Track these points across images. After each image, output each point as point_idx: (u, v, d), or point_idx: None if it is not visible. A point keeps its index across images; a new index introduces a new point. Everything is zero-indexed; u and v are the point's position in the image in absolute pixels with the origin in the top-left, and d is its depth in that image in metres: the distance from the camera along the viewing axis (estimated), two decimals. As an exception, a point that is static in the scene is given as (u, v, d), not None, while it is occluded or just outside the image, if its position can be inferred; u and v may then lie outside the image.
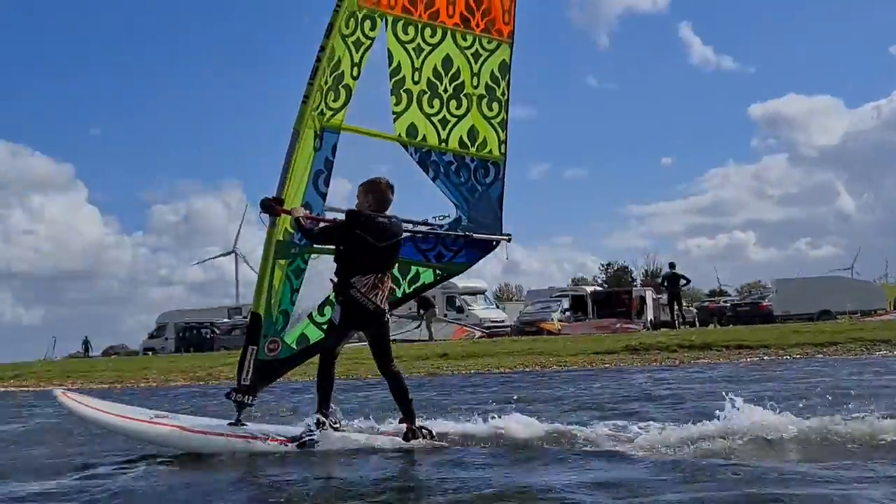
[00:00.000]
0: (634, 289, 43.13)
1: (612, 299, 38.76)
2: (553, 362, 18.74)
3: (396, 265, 7.44)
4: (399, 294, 7.82)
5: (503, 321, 38.08)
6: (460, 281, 34.45)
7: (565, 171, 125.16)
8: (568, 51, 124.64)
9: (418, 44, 7.72)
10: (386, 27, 7.60)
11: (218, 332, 43.15)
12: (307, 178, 7.48)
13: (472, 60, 7.95)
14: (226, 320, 46.53)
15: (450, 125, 7.92)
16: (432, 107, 7.83)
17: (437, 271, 8.01)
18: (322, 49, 7.27)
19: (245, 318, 44.22)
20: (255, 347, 7.36)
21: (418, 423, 7.12)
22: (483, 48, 7.99)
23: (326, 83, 7.36)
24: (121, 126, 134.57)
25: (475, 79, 7.97)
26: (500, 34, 8.03)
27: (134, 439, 7.27)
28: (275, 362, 7.49)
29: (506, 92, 8.10)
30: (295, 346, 7.57)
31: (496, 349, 22.10)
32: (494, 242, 8.14)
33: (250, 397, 7.30)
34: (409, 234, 7.69)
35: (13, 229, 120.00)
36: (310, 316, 7.70)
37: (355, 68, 7.51)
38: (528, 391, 12.17)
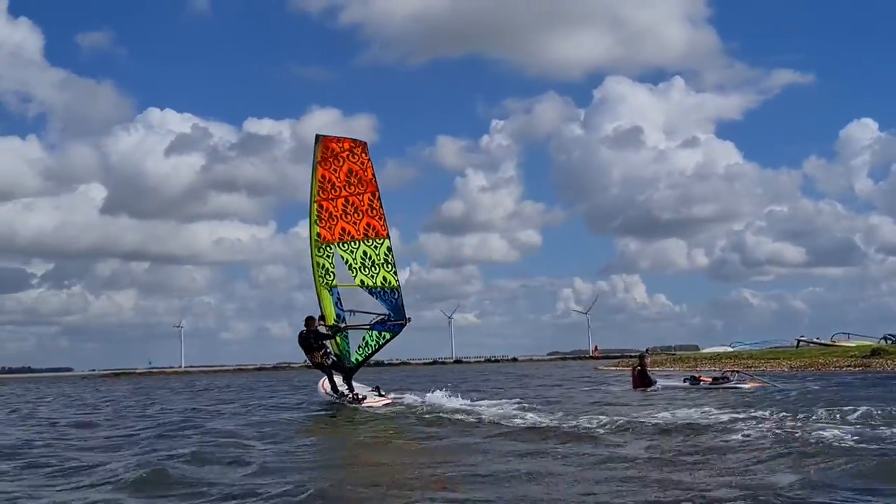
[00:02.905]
0: None
1: None
2: None
3: (369, 332, 18.96)
4: (373, 345, 19.13)
5: None
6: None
7: None
8: None
9: (351, 249, 18.79)
10: (336, 246, 18.93)
11: None
12: (332, 306, 19.35)
13: (374, 249, 18.61)
14: None
15: (375, 277, 18.73)
16: (365, 272, 18.79)
17: (387, 335, 19.01)
18: (312, 265, 19.09)
19: None
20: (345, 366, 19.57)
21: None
22: (377, 242, 18.57)
23: (322, 277, 19.09)
24: None
25: (378, 256, 18.60)
26: (381, 235, 18.50)
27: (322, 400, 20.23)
28: (352, 369, 19.62)
29: (392, 260, 18.49)
30: (354, 363, 19.62)
31: None
32: (404, 322, 18.73)
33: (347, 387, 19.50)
34: (366, 324, 19.05)
35: None
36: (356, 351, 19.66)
37: (332, 265, 19.03)
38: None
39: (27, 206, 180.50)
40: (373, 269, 18.76)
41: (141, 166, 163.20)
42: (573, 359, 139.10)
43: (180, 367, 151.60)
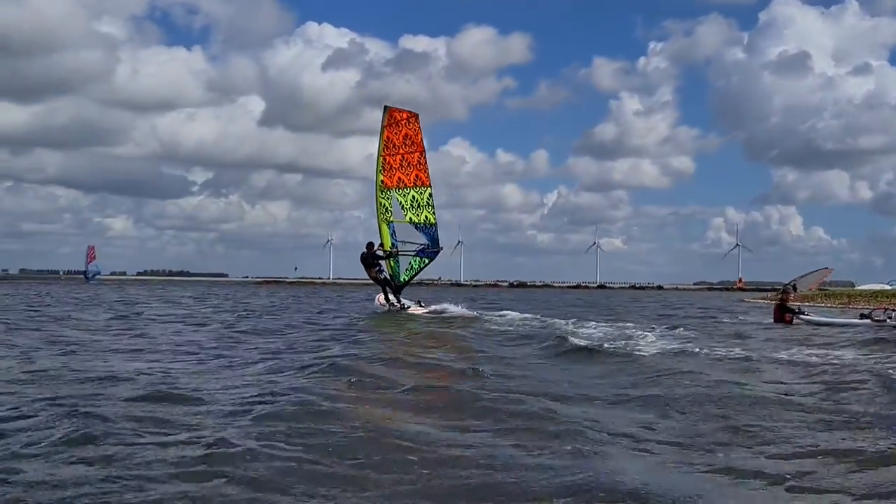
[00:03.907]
0: None
1: None
2: None
3: (413, 258, 25.27)
4: (416, 268, 25.43)
5: None
6: None
7: None
8: None
9: (404, 193, 24.95)
10: (394, 191, 25.09)
11: None
12: (389, 236, 25.69)
13: (419, 193, 24.70)
14: None
15: (420, 215, 24.90)
16: (413, 212, 24.95)
17: (426, 259, 25.21)
18: (376, 204, 25.37)
19: None
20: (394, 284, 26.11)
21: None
22: (422, 189, 24.62)
23: (382, 214, 25.39)
24: None
25: (423, 199, 24.66)
26: (425, 184, 24.48)
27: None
28: (400, 286, 26.12)
29: (433, 203, 24.47)
30: (402, 282, 26.05)
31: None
32: (438, 250, 24.84)
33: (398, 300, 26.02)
34: (411, 251, 25.27)
35: None
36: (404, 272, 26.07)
37: (391, 205, 25.28)
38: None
39: (190, 116, 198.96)
40: (418, 209, 24.83)
41: (298, 80, 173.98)
42: (720, 289, 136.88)
43: (328, 278, 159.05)
